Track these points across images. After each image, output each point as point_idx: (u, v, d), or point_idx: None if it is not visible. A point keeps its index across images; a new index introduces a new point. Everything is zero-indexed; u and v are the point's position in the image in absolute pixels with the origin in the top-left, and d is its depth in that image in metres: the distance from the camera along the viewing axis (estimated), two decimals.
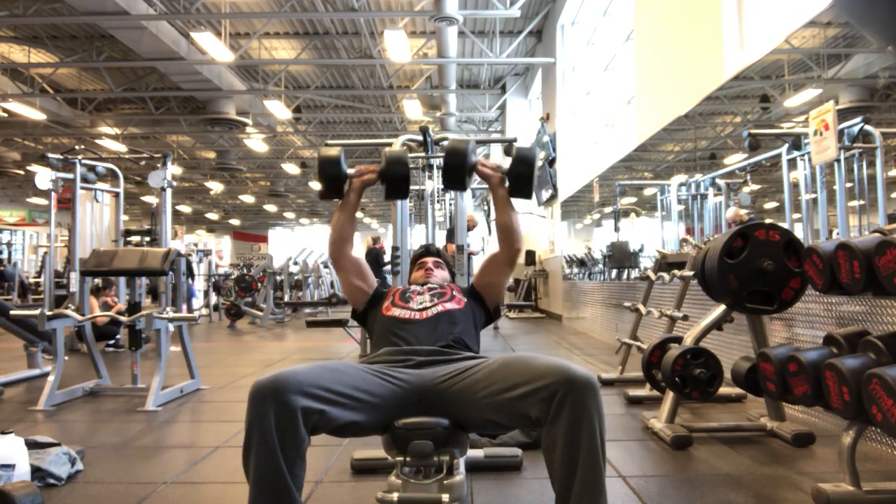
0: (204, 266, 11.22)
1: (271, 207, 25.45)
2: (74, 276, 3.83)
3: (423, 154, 3.21)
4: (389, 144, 2.88)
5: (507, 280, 1.89)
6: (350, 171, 1.75)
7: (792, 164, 4.01)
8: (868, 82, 3.70)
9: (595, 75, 7.96)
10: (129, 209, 22.20)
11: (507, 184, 1.72)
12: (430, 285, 1.86)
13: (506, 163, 1.80)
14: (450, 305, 1.72)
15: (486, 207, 8.08)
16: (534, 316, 9.93)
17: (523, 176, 1.68)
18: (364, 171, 1.76)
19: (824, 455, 2.34)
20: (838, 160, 3.33)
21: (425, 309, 1.70)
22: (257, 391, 1.25)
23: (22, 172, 16.59)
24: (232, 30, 9.31)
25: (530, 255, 10.48)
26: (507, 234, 1.76)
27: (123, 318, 3.57)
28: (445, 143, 1.80)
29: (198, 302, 10.75)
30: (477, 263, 10.61)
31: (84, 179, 4.16)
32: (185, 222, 25.40)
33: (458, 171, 1.70)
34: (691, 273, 3.03)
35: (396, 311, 1.71)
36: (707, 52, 4.16)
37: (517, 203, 1.78)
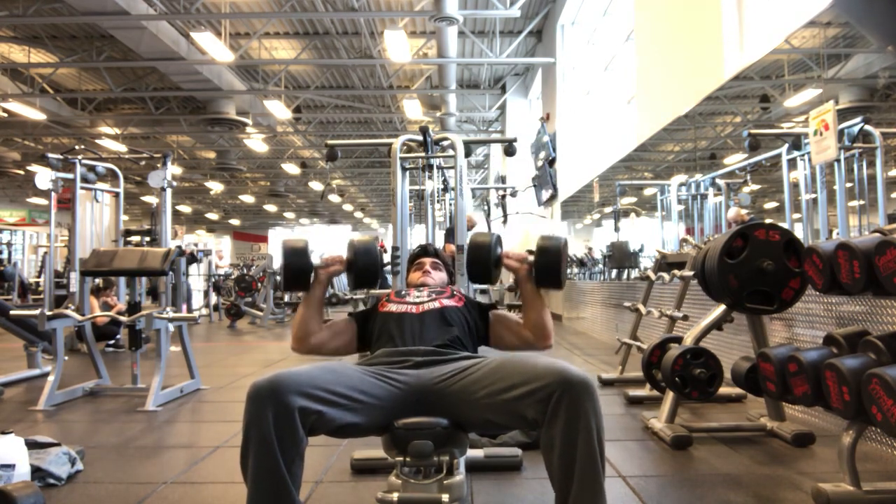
0: (204, 266, 11.21)
1: (271, 207, 25.45)
2: (74, 276, 3.83)
3: (423, 154, 3.21)
4: (389, 145, 2.88)
5: (519, 350, 1.76)
6: (316, 261, 1.71)
7: (792, 164, 4.01)
8: (868, 82, 3.71)
9: (595, 75, 7.96)
10: (129, 209, 22.18)
11: (533, 275, 1.64)
12: (429, 286, 1.85)
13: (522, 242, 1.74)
14: (447, 301, 1.71)
15: (485, 207, 8.07)
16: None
17: (551, 267, 1.59)
18: (330, 261, 1.72)
19: (824, 455, 2.34)
20: (838, 160, 3.33)
21: (421, 303, 1.69)
22: (255, 392, 1.25)
23: (22, 172, 16.58)
24: (232, 30, 9.31)
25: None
26: (540, 333, 1.66)
27: (123, 318, 3.57)
28: (473, 236, 1.73)
29: (196, 302, 10.74)
30: None
31: (84, 179, 4.16)
32: (185, 222, 25.37)
33: (483, 266, 1.66)
34: (691, 273, 3.03)
35: (392, 307, 1.71)
36: (707, 52, 4.16)
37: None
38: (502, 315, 1.77)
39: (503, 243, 1.75)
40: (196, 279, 11.64)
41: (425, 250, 2.07)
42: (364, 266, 1.70)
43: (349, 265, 1.71)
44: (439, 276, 1.96)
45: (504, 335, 1.73)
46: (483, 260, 1.66)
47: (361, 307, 5.44)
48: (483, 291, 7.63)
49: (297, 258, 1.64)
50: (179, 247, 3.77)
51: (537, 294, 1.67)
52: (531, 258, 1.65)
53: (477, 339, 1.73)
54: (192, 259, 8.93)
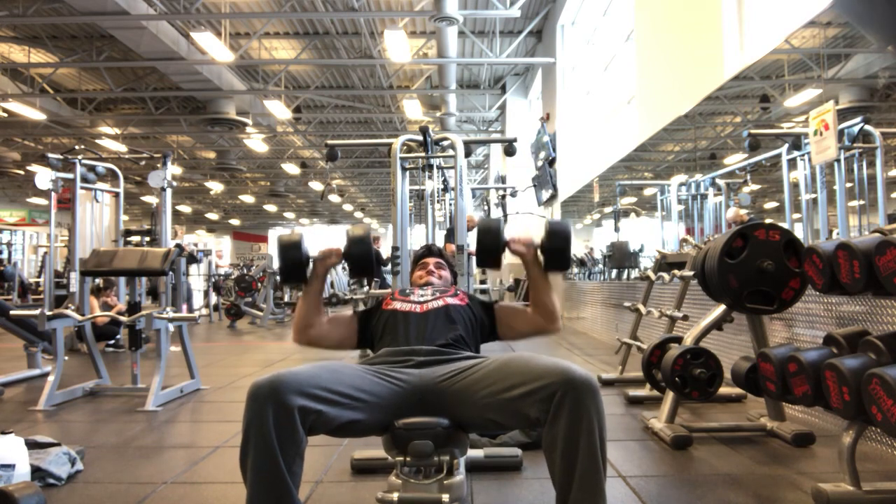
0: (204, 266, 11.21)
1: (271, 207, 25.45)
2: (74, 276, 3.83)
3: (423, 154, 3.21)
4: (389, 145, 2.88)
5: (530, 337, 1.82)
6: (313, 254, 1.72)
7: (792, 164, 4.01)
8: (868, 82, 3.71)
9: (595, 75, 7.96)
10: (129, 209, 22.18)
11: (541, 259, 1.67)
12: (433, 285, 1.85)
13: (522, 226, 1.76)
14: (451, 300, 1.72)
15: (485, 207, 8.07)
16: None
17: (559, 250, 1.63)
18: (327, 254, 1.73)
19: (824, 455, 2.34)
20: (838, 160, 3.33)
21: (425, 302, 1.70)
22: (255, 391, 1.25)
23: (22, 172, 16.58)
24: (232, 30, 9.31)
25: None
26: (549, 315, 1.70)
27: (123, 318, 3.57)
28: (481, 221, 1.76)
29: (196, 302, 10.75)
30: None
31: (84, 179, 4.16)
32: (185, 222, 25.38)
33: (491, 251, 1.68)
34: (691, 273, 3.03)
35: (397, 305, 1.71)
36: (707, 52, 4.16)
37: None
38: (507, 306, 1.81)
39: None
40: (196, 279, 11.64)
41: (429, 250, 2.08)
42: (359, 255, 1.71)
43: (344, 255, 1.72)
44: (443, 276, 1.97)
45: (513, 324, 1.76)
46: (492, 244, 1.68)
47: (362, 307, 5.44)
48: (483, 291, 7.64)
49: (292, 252, 1.66)
50: (179, 245, 3.77)
51: (545, 277, 1.69)
52: (538, 242, 1.68)
53: (483, 336, 1.75)
54: (192, 259, 8.94)
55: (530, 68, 11.21)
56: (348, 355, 5.33)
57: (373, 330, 1.73)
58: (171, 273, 3.67)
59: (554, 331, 1.73)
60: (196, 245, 15.23)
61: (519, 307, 1.79)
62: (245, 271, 10.77)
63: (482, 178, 18.60)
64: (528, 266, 1.70)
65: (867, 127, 3.32)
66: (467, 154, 2.98)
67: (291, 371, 1.29)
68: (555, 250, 1.64)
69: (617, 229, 7.18)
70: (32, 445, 2.15)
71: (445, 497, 1.27)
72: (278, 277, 10.07)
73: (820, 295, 2.48)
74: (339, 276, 10.08)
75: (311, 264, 1.71)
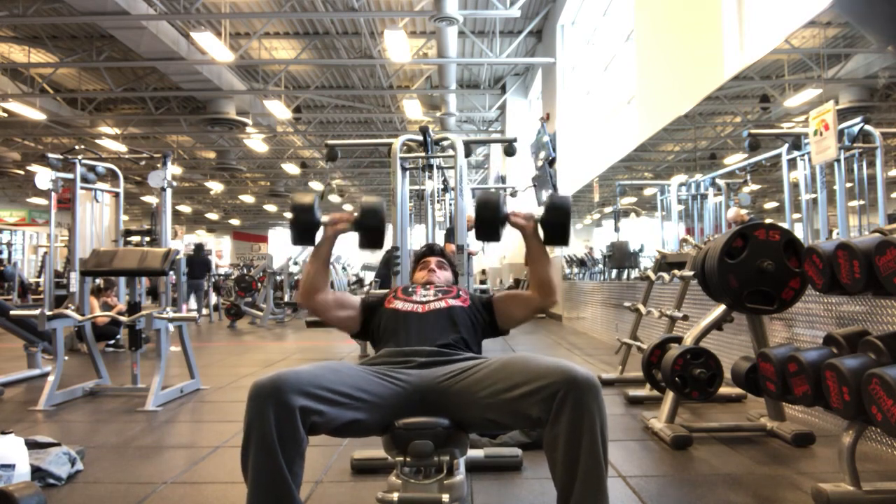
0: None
1: (271, 207, 25.45)
2: (74, 276, 3.83)
3: (423, 154, 3.21)
4: (389, 145, 2.88)
5: (529, 319, 1.84)
6: (324, 218, 1.73)
7: (792, 164, 4.01)
8: (868, 82, 3.71)
9: (595, 75, 7.96)
10: (129, 209, 22.18)
11: (541, 233, 1.68)
12: (435, 284, 1.85)
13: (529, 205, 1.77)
14: (453, 302, 1.71)
15: None
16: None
17: (560, 224, 1.64)
18: (338, 219, 1.74)
19: (824, 455, 2.34)
20: (838, 160, 3.33)
21: (427, 302, 1.70)
22: (256, 391, 1.25)
23: (22, 172, 16.59)
24: (232, 30, 9.31)
25: None
26: (545, 288, 1.70)
27: (123, 318, 3.57)
28: (480, 195, 1.77)
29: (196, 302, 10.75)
30: (477, 264, 10.59)
31: (84, 179, 4.16)
32: (185, 222, 25.39)
33: (491, 223, 1.69)
34: (691, 273, 3.03)
35: (398, 304, 1.71)
36: (707, 52, 4.16)
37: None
38: (502, 293, 1.83)
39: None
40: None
41: (431, 249, 2.08)
42: (370, 225, 1.71)
43: (356, 223, 1.72)
44: (444, 276, 1.97)
45: (510, 309, 1.77)
46: (492, 216, 1.69)
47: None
48: (483, 292, 7.64)
49: (304, 214, 1.67)
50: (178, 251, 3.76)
51: (543, 250, 1.70)
52: (537, 216, 1.69)
53: (486, 334, 1.76)
54: (190, 261, 8.96)
55: (530, 68, 11.21)
56: (349, 355, 5.33)
57: (374, 326, 1.74)
58: (185, 274, 3.66)
59: (551, 304, 1.74)
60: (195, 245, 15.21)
61: (513, 291, 1.82)
62: (245, 271, 10.77)
63: (482, 178, 18.60)
64: (528, 239, 1.71)
65: (867, 127, 3.32)
66: (467, 154, 2.98)
67: (293, 371, 1.29)
68: (555, 224, 1.65)
69: (617, 229, 7.18)
70: (32, 445, 2.15)
71: (445, 497, 1.27)
72: (279, 277, 10.09)
73: (820, 295, 2.48)
74: (339, 276, 10.09)
75: (321, 228, 1.73)
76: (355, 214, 1.73)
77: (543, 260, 1.70)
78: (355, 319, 1.77)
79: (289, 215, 1.68)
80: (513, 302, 1.78)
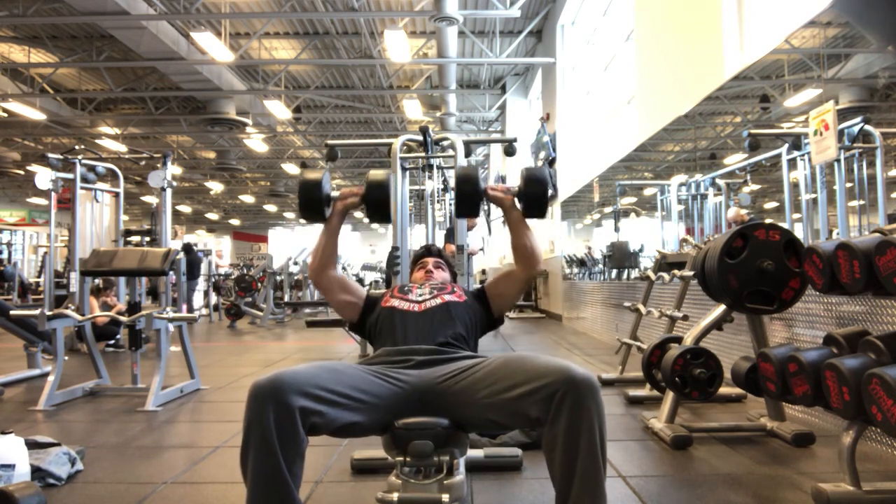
0: (204, 266, 11.21)
1: (271, 207, 25.46)
2: (74, 276, 3.83)
3: (423, 154, 3.21)
4: (389, 145, 2.88)
5: (519, 295, 1.87)
6: (333, 193, 1.77)
7: (792, 164, 4.01)
8: (868, 82, 3.70)
9: (595, 75, 7.96)
10: (129, 209, 22.19)
11: (519, 205, 1.72)
12: (431, 284, 1.85)
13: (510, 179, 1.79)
14: (449, 298, 1.72)
15: (485, 207, 8.06)
16: (534, 316, 9.93)
17: (536, 195, 1.68)
18: (347, 194, 1.77)
19: (824, 455, 2.34)
20: (838, 160, 3.32)
21: (424, 301, 1.70)
22: (256, 391, 1.25)
23: (22, 172, 16.59)
24: (232, 30, 9.31)
25: None
26: (526, 257, 1.74)
27: (123, 318, 3.57)
28: (458, 169, 1.81)
29: (196, 302, 10.75)
30: (477, 264, 10.55)
31: (84, 179, 4.16)
32: (185, 222, 25.40)
33: (470, 197, 1.72)
34: (691, 273, 3.03)
35: (395, 302, 1.72)
36: (707, 52, 4.16)
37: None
38: (492, 280, 1.87)
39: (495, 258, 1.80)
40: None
41: (429, 250, 2.09)
42: (378, 199, 1.74)
43: (363, 198, 1.76)
44: (442, 277, 1.98)
45: (502, 292, 1.81)
46: (471, 190, 1.73)
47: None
48: None
49: (314, 190, 1.70)
50: (178, 250, 3.77)
51: (522, 220, 1.74)
52: (515, 188, 1.73)
53: (483, 327, 1.78)
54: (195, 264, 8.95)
55: (530, 68, 11.21)
56: (349, 355, 5.33)
57: (371, 323, 1.75)
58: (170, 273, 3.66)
59: (537, 272, 1.78)
60: (196, 245, 15.22)
61: (499, 273, 1.87)
62: (245, 271, 10.77)
63: (482, 178, 18.57)
64: (507, 212, 1.74)
65: (867, 127, 3.31)
66: (467, 154, 2.98)
67: (292, 371, 1.29)
68: (533, 196, 1.68)
69: (617, 229, 7.18)
70: (32, 445, 2.15)
71: (445, 497, 1.27)
72: (279, 277, 10.08)
73: (820, 295, 2.48)
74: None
75: (330, 203, 1.76)
76: (363, 189, 1.76)
77: (522, 228, 1.73)
78: (356, 308, 1.79)
79: (299, 191, 1.70)
80: (501, 281, 1.82)
